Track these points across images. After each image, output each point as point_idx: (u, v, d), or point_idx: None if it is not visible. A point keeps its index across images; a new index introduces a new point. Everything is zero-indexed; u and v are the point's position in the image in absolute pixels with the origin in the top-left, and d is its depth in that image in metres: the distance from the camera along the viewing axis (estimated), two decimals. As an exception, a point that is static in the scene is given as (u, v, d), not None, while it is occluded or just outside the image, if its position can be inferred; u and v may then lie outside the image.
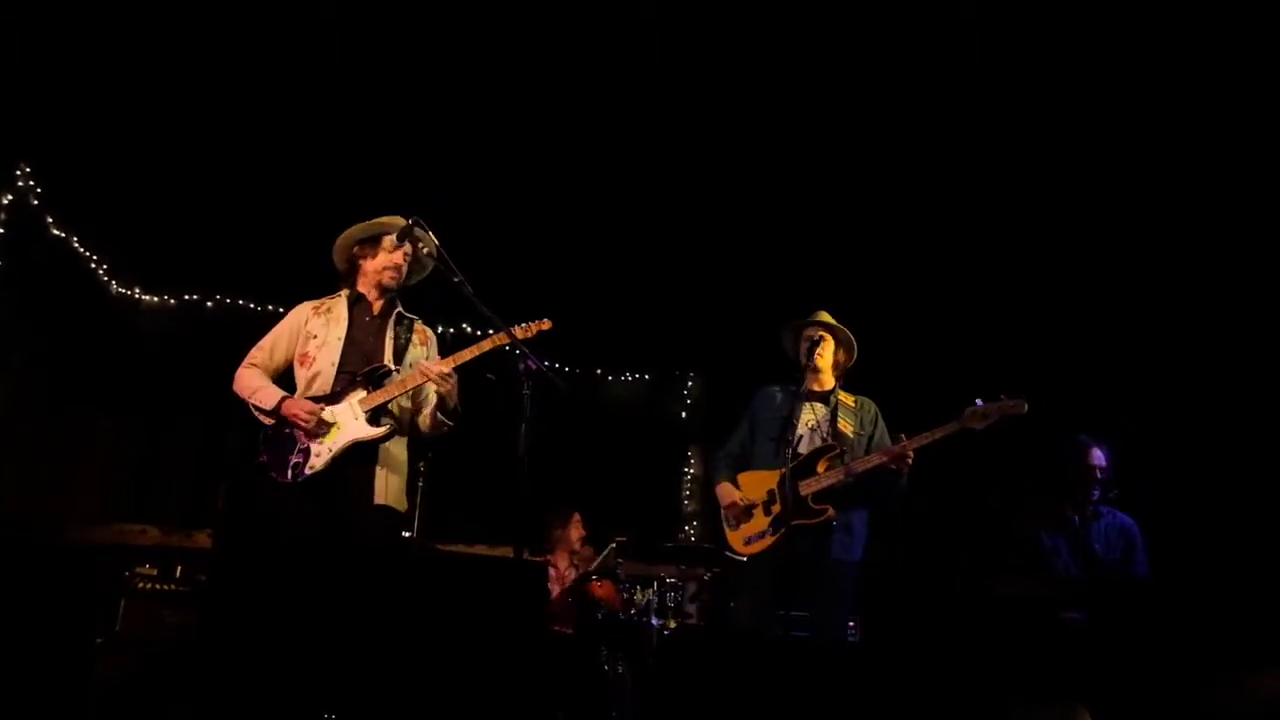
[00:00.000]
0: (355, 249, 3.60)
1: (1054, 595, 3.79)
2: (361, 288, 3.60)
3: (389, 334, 3.55)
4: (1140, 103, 5.01)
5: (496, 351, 3.46)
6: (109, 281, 6.03)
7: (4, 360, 5.45)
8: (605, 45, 5.16)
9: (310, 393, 3.43)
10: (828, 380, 4.27)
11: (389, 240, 3.55)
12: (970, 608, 3.86)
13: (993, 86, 5.13)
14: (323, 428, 3.34)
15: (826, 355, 4.24)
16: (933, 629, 4.24)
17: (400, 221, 3.55)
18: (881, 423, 4.27)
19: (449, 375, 3.36)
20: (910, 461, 3.84)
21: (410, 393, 3.49)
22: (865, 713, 3.50)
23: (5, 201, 5.28)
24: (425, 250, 3.53)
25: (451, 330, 6.41)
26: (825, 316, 4.28)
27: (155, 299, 6.23)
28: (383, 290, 3.58)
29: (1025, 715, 3.34)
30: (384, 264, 3.55)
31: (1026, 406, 3.75)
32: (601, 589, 5.12)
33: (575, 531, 5.71)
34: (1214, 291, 5.18)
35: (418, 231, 3.49)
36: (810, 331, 4.24)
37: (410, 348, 3.56)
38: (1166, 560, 4.35)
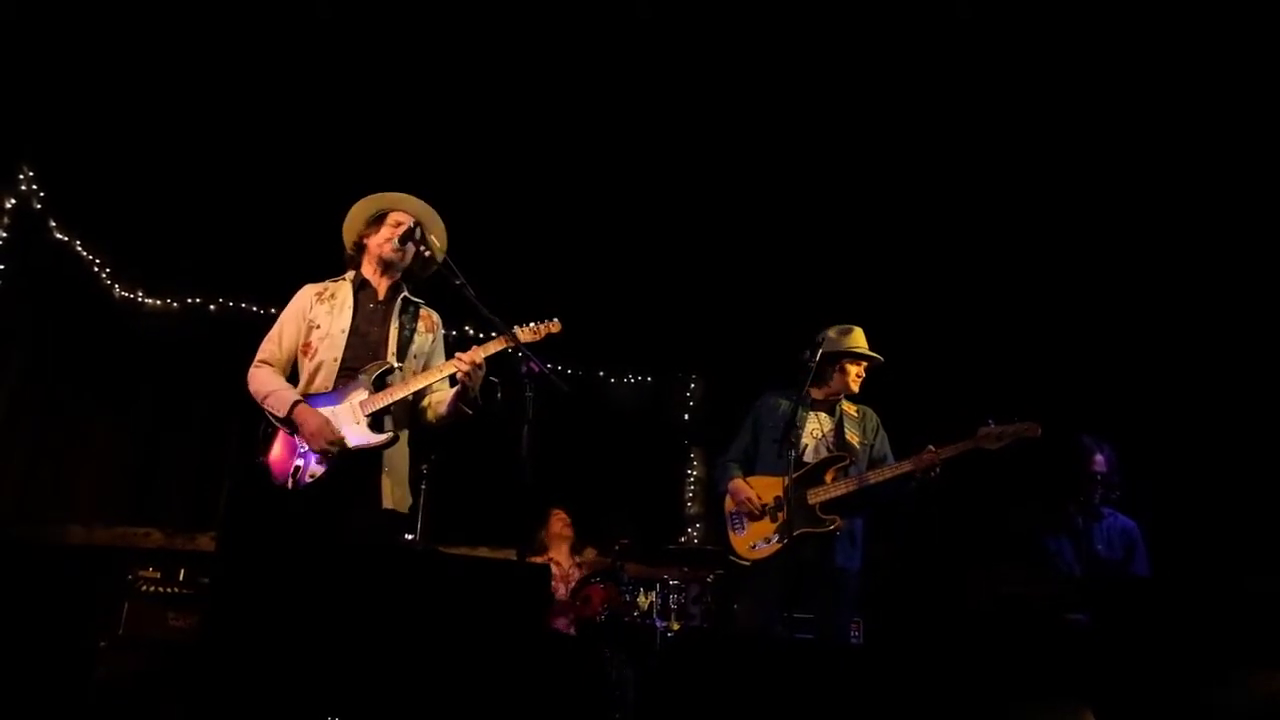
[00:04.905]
0: (363, 229, 3.56)
1: (1057, 596, 3.79)
2: (366, 271, 3.56)
3: (394, 323, 3.48)
4: (1134, 120, 5.04)
5: (499, 354, 3.46)
6: (112, 284, 6.03)
7: (6, 361, 5.45)
8: (608, 49, 5.17)
9: (312, 387, 3.38)
10: (838, 394, 4.27)
11: (394, 216, 3.53)
12: (973, 608, 3.85)
13: (1001, 96, 5.15)
14: (333, 449, 3.26)
15: (861, 379, 4.26)
16: (935, 630, 4.23)
17: (407, 198, 3.55)
18: (882, 431, 4.29)
19: (480, 366, 3.33)
20: (936, 473, 3.85)
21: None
22: (868, 714, 3.49)
23: (8, 205, 5.28)
24: (428, 253, 3.51)
25: (454, 333, 6.42)
26: (863, 343, 4.24)
27: (158, 302, 6.23)
28: (386, 267, 3.53)
29: (1028, 716, 3.33)
30: (386, 236, 3.50)
31: (1040, 430, 3.75)
32: (598, 592, 5.13)
33: (556, 525, 5.73)
34: (1213, 293, 5.18)
35: (420, 233, 3.50)
36: (859, 362, 4.23)
37: (415, 337, 3.50)
38: (1168, 559, 4.36)
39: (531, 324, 3.46)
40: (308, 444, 3.26)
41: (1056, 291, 5.71)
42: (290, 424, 3.29)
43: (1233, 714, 2.91)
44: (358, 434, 3.30)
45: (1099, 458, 4.37)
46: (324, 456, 3.26)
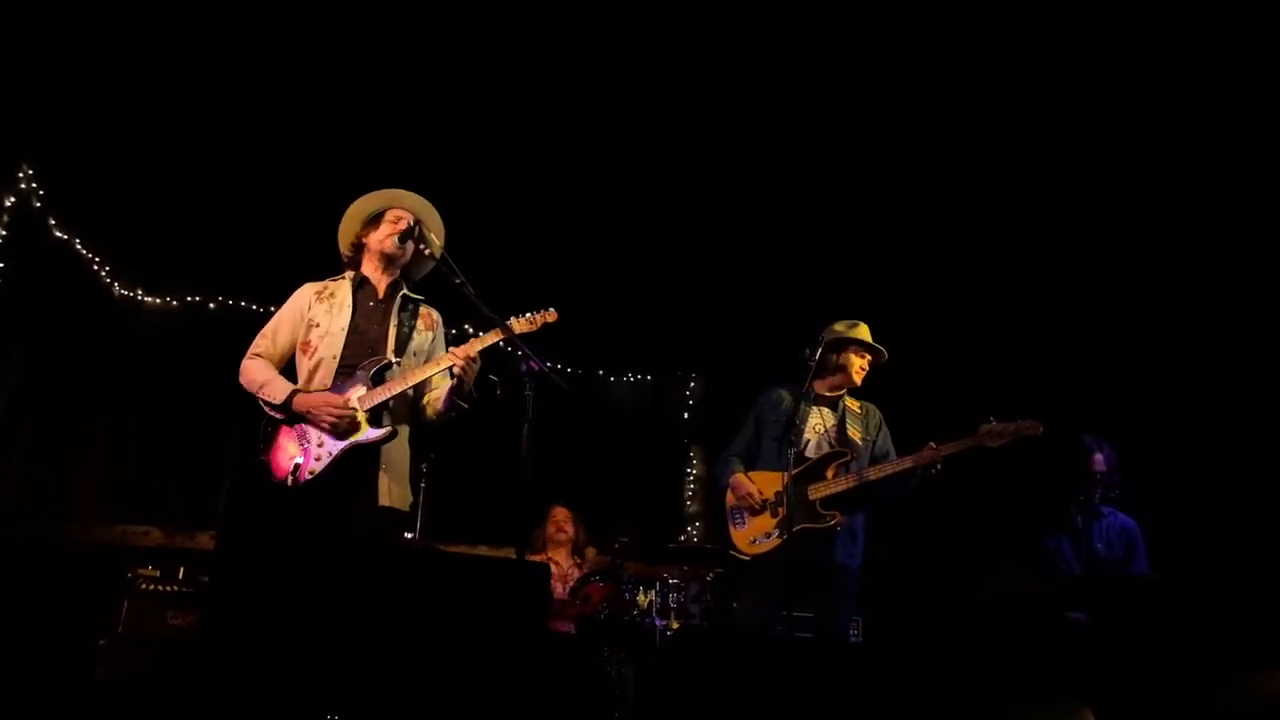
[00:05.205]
0: (360, 229, 3.56)
1: (1057, 595, 3.79)
2: (366, 269, 3.56)
3: (393, 321, 3.47)
4: (1135, 119, 5.05)
5: (498, 352, 3.46)
6: (111, 283, 6.03)
7: (6, 361, 5.45)
8: (608, 47, 5.16)
9: (311, 385, 3.37)
10: (841, 389, 4.27)
11: (392, 213, 3.53)
12: (973, 607, 3.85)
13: (1002, 95, 5.14)
14: (351, 424, 3.26)
15: (865, 373, 4.25)
16: (935, 629, 4.23)
17: (405, 194, 3.54)
18: (885, 428, 4.29)
19: (475, 360, 3.33)
20: (937, 470, 3.85)
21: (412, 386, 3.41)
22: (868, 713, 3.49)
23: (8, 203, 5.28)
24: (428, 251, 3.51)
25: (454, 331, 6.41)
26: (868, 336, 4.25)
27: (158, 300, 6.23)
28: (387, 263, 3.53)
29: (1028, 716, 3.33)
30: (387, 233, 3.50)
31: (1042, 428, 3.75)
32: (597, 590, 5.12)
33: (553, 525, 5.72)
34: (1214, 293, 5.18)
35: (419, 231, 3.50)
36: (864, 353, 4.23)
37: (414, 335, 3.50)
38: (1168, 559, 4.36)
39: (528, 314, 3.46)
40: (318, 421, 3.25)
41: (1059, 290, 5.71)
42: (288, 410, 3.29)
43: (1233, 714, 2.91)
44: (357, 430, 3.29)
45: (1099, 457, 4.38)
46: (336, 428, 3.24)
